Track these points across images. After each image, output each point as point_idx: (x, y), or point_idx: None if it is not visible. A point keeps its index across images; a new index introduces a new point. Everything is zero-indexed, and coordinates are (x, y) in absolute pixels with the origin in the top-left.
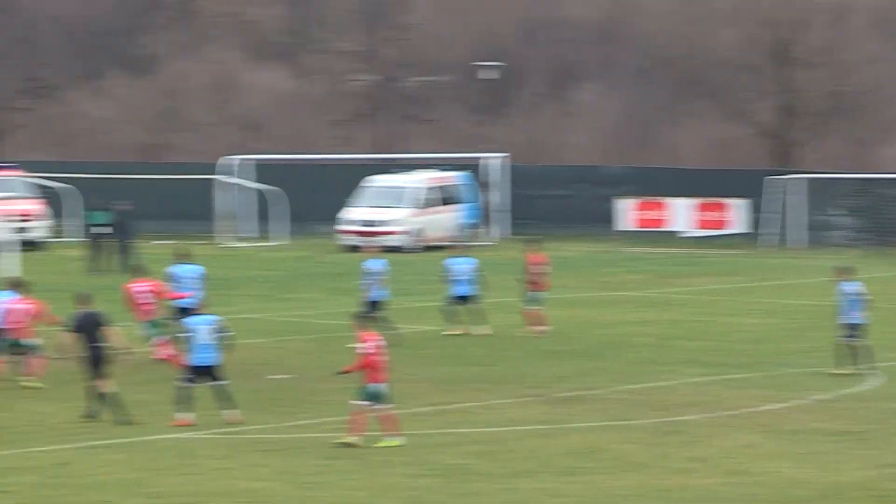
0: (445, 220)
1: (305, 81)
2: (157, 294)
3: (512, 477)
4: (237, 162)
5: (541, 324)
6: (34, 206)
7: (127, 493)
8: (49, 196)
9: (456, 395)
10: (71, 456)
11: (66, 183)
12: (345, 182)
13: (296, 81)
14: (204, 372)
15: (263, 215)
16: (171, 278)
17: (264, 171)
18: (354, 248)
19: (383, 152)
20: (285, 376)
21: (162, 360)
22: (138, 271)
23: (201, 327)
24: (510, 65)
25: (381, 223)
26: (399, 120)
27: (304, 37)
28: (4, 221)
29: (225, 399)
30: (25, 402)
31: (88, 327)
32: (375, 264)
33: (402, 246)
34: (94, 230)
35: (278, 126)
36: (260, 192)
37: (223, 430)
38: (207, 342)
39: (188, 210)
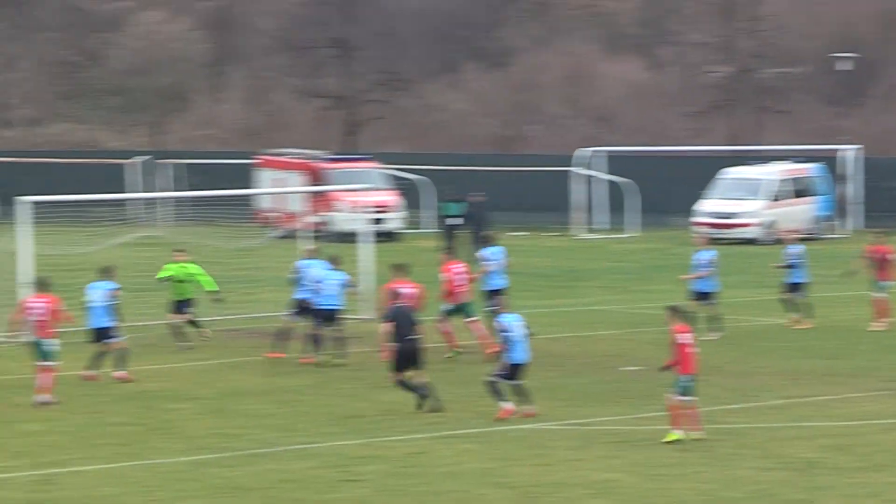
0: (799, 213)
1: (659, 73)
2: (469, 277)
3: (866, 471)
4: (591, 153)
5: (885, 315)
6: (390, 197)
7: (479, 483)
8: (404, 188)
9: (808, 387)
10: (425, 445)
11: (420, 175)
12: (698, 174)
13: (650, 73)
14: (518, 369)
15: (616, 207)
16: (480, 260)
17: (617, 163)
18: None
19: (737, 144)
20: (637, 368)
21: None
22: (452, 252)
23: (516, 325)
24: (866, 56)
25: (735, 215)
26: (753, 111)
27: (659, 28)
28: (361, 213)
29: (523, 395)
30: (380, 391)
31: (403, 320)
32: (705, 255)
33: (756, 238)
34: (448, 221)
35: (631, 117)
36: (612, 184)
37: (575, 421)
38: (521, 340)
39: (541, 201)
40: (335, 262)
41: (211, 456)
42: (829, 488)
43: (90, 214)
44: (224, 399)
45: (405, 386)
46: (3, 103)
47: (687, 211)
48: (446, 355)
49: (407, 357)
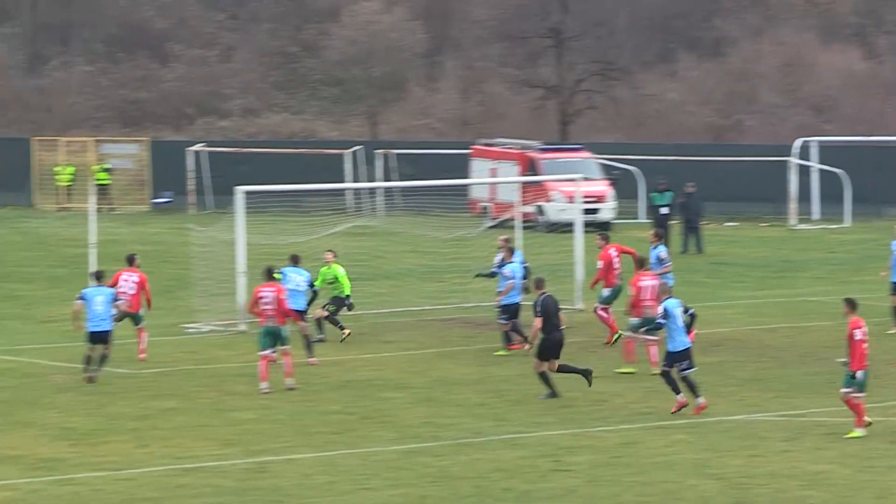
0: None
1: (877, 62)
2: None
3: None
4: (806, 144)
5: None
6: (603, 187)
7: (690, 473)
8: (617, 178)
9: None
10: (637, 436)
11: (633, 165)
12: None
13: (867, 62)
14: (680, 358)
15: (830, 197)
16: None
17: (832, 153)
18: None
19: None
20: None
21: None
22: (644, 263)
23: (677, 311)
24: None
25: None
26: None
27: (877, 17)
28: (574, 203)
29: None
30: (595, 382)
31: (551, 310)
32: None
33: None
34: (659, 211)
35: (848, 107)
36: (828, 174)
37: (788, 412)
38: (679, 327)
39: (756, 192)
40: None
41: (422, 445)
42: None
43: (305, 204)
44: (436, 388)
45: (544, 378)
46: (220, 94)
47: None
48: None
49: (551, 347)
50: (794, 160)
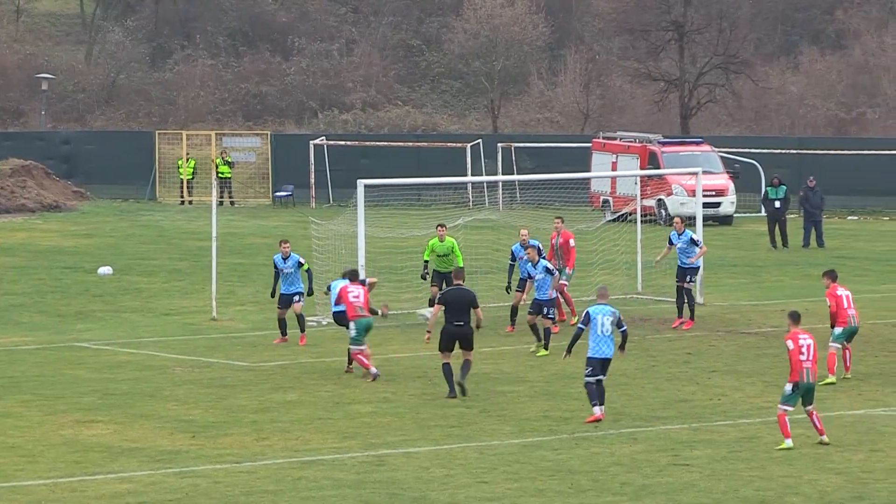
0: None
1: None
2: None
3: None
4: None
5: None
6: (724, 181)
7: (810, 468)
8: (737, 171)
9: None
10: (756, 430)
11: (754, 158)
12: None
13: None
14: (605, 365)
15: None
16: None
17: None
18: None
19: None
20: None
21: None
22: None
23: (601, 318)
24: None
25: None
26: None
27: None
28: (695, 196)
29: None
30: (709, 376)
31: (455, 302)
32: None
33: None
34: (773, 205)
35: None
36: None
37: None
38: (606, 334)
39: (878, 185)
40: None
41: (540, 438)
42: None
43: (425, 197)
44: (554, 382)
45: (446, 371)
46: (341, 87)
47: None
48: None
49: (447, 338)
50: None
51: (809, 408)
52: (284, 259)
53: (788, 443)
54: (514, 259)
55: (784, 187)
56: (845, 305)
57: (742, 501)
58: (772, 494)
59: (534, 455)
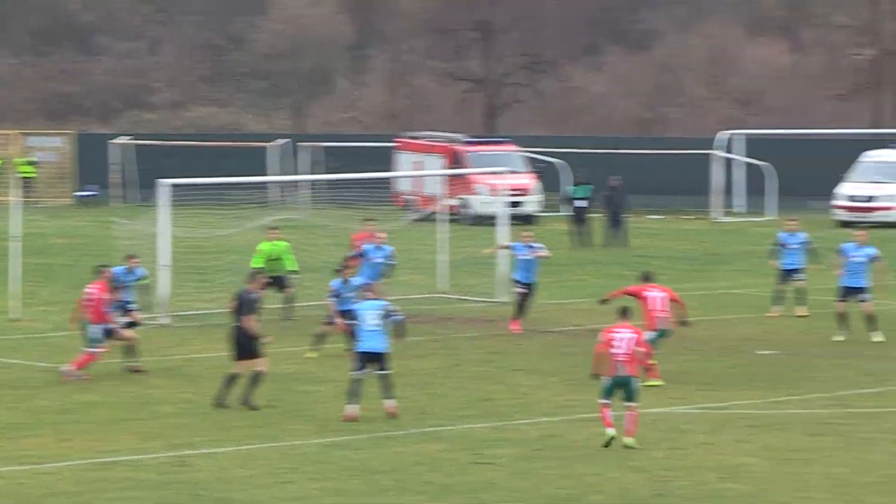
0: None
1: (803, 55)
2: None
3: None
4: (731, 136)
5: None
6: (528, 180)
7: (612, 466)
8: (542, 171)
9: None
10: (559, 428)
11: (559, 158)
12: (839, 157)
13: (793, 55)
14: (372, 359)
15: (755, 190)
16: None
17: (757, 146)
18: (847, 224)
19: (880, 127)
20: (773, 352)
21: None
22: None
23: (367, 312)
24: None
25: (876, 199)
26: None
27: (803, 10)
28: (499, 196)
29: (386, 388)
30: (513, 375)
31: (241, 305)
32: (791, 237)
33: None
34: (574, 204)
35: (773, 100)
36: (752, 167)
37: (710, 404)
38: (374, 328)
39: (681, 184)
40: None
41: (342, 438)
42: None
43: (230, 197)
44: None
45: (227, 380)
46: (146, 86)
47: (827, 194)
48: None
49: (234, 343)
50: (719, 153)
51: (631, 405)
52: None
53: (610, 432)
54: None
55: (588, 186)
56: (658, 307)
57: (545, 500)
58: (574, 493)
59: (336, 455)
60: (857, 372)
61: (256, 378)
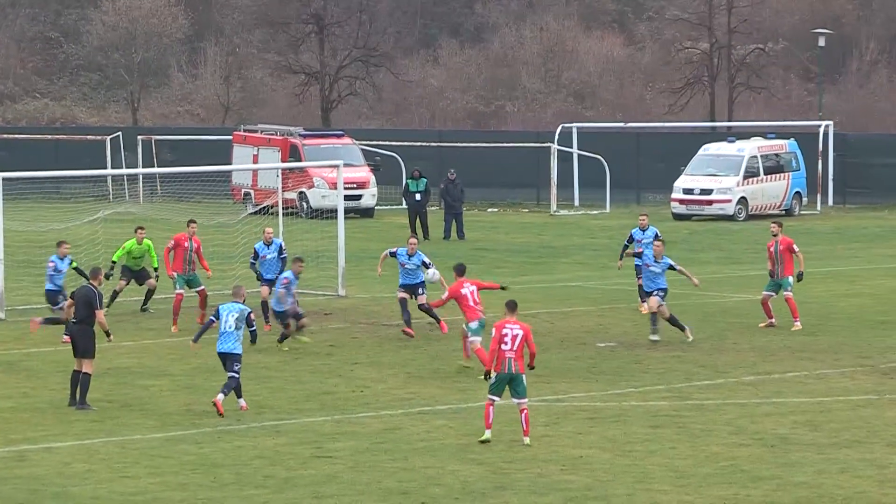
0: (773, 189)
1: (637, 49)
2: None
3: (838, 447)
4: (567, 130)
5: None
6: (364, 174)
7: (452, 459)
8: (378, 164)
9: (782, 364)
10: (399, 421)
11: (395, 151)
12: (675, 150)
13: (628, 49)
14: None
15: (591, 183)
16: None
17: (593, 139)
18: (683, 217)
19: (715, 120)
20: (612, 344)
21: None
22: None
23: (224, 314)
24: (843, 32)
25: (710, 191)
26: (731, 88)
27: (637, 4)
28: (336, 189)
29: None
30: (352, 368)
31: (79, 300)
32: (643, 232)
33: (731, 214)
34: (413, 198)
35: (609, 94)
36: (589, 160)
37: (549, 396)
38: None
39: (518, 178)
40: None
41: (183, 432)
42: (800, 464)
43: (66, 190)
44: (196, 375)
45: (73, 378)
46: None
47: (664, 187)
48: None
49: (73, 341)
50: (555, 146)
51: (520, 402)
52: (61, 259)
53: (488, 434)
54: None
55: (424, 180)
56: (471, 303)
57: (385, 493)
58: (415, 485)
59: (176, 449)
60: (695, 364)
61: (84, 380)
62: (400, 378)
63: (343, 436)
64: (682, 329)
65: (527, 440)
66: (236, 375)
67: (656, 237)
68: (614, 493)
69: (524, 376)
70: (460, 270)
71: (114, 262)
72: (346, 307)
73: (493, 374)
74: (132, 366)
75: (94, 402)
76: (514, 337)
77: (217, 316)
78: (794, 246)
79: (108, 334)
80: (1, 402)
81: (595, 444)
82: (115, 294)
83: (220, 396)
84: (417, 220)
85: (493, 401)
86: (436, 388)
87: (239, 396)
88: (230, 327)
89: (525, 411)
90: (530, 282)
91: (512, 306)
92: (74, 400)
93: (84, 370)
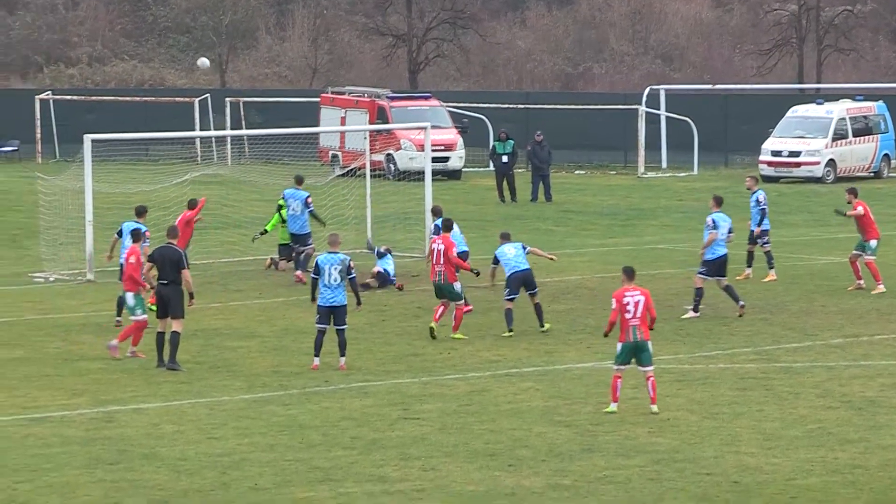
0: (862, 151)
1: (725, 11)
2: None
3: None
4: (655, 92)
5: None
6: (452, 136)
7: (539, 421)
8: (465, 126)
9: (869, 326)
10: (486, 383)
11: (481, 114)
12: (762, 113)
13: (715, 11)
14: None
15: (678, 146)
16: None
17: (680, 102)
18: (771, 179)
19: (803, 82)
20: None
21: None
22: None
23: (326, 267)
24: None
25: (799, 154)
26: (819, 49)
27: None
28: (423, 151)
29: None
30: (442, 330)
31: (164, 261)
32: (758, 195)
33: (819, 176)
34: (500, 160)
35: (697, 56)
36: (676, 122)
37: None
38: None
39: (605, 140)
40: None
41: (271, 394)
42: (888, 427)
43: (154, 152)
44: (284, 337)
45: (158, 339)
46: (66, 41)
47: (752, 149)
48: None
49: (159, 303)
50: (643, 108)
51: (646, 370)
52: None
53: (613, 407)
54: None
55: (511, 141)
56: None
57: (472, 455)
58: (501, 447)
59: (264, 410)
60: (782, 327)
61: (174, 339)
62: (487, 340)
63: (430, 397)
64: (736, 300)
65: (654, 408)
66: (345, 327)
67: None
68: (701, 456)
69: (650, 343)
70: (447, 226)
71: (266, 231)
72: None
73: (618, 345)
74: (220, 327)
75: (182, 363)
76: (637, 304)
77: (318, 271)
78: (860, 207)
79: (191, 296)
80: (90, 364)
81: (682, 407)
82: (275, 263)
83: (342, 360)
84: (504, 182)
85: (621, 372)
86: (522, 350)
87: (342, 354)
88: (335, 280)
89: (651, 378)
90: (618, 244)
91: (630, 273)
92: (162, 361)
93: (174, 329)
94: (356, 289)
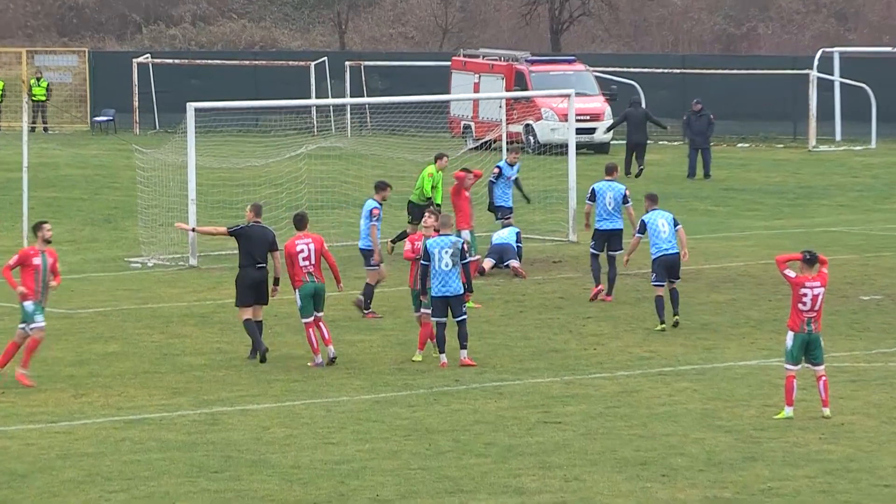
0: None
1: None
2: None
3: None
4: (828, 55)
5: None
6: (599, 104)
7: (696, 426)
8: (615, 93)
9: None
10: (636, 383)
11: (631, 79)
12: None
13: None
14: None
15: (854, 115)
16: None
17: (856, 66)
18: None
19: None
20: (878, 297)
21: None
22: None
23: (436, 251)
24: None
25: None
26: None
27: None
28: (567, 121)
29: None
30: (584, 323)
31: (251, 243)
32: None
33: None
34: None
35: (874, 14)
36: (853, 89)
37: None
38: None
39: (771, 109)
40: None
41: (395, 394)
42: None
43: (265, 123)
44: (411, 331)
45: (247, 328)
46: None
47: None
48: None
49: (250, 288)
50: (815, 73)
51: (817, 368)
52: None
53: (788, 412)
54: None
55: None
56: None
57: (620, 463)
58: (654, 455)
59: (387, 413)
60: None
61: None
62: (638, 334)
63: (573, 399)
64: None
65: (826, 411)
66: (465, 317)
67: None
68: (880, 465)
69: (821, 338)
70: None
71: (429, 198)
72: (578, 254)
73: (787, 337)
74: (338, 318)
75: (294, 359)
76: (815, 297)
77: (428, 257)
78: None
79: (276, 281)
80: (193, 359)
81: (859, 410)
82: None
83: (464, 353)
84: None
85: (795, 371)
86: (678, 346)
87: (463, 346)
88: (447, 266)
89: (823, 378)
90: (785, 226)
91: (811, 261)
92: (262, 348)
93: (259, 318)
94: (469, 275)
